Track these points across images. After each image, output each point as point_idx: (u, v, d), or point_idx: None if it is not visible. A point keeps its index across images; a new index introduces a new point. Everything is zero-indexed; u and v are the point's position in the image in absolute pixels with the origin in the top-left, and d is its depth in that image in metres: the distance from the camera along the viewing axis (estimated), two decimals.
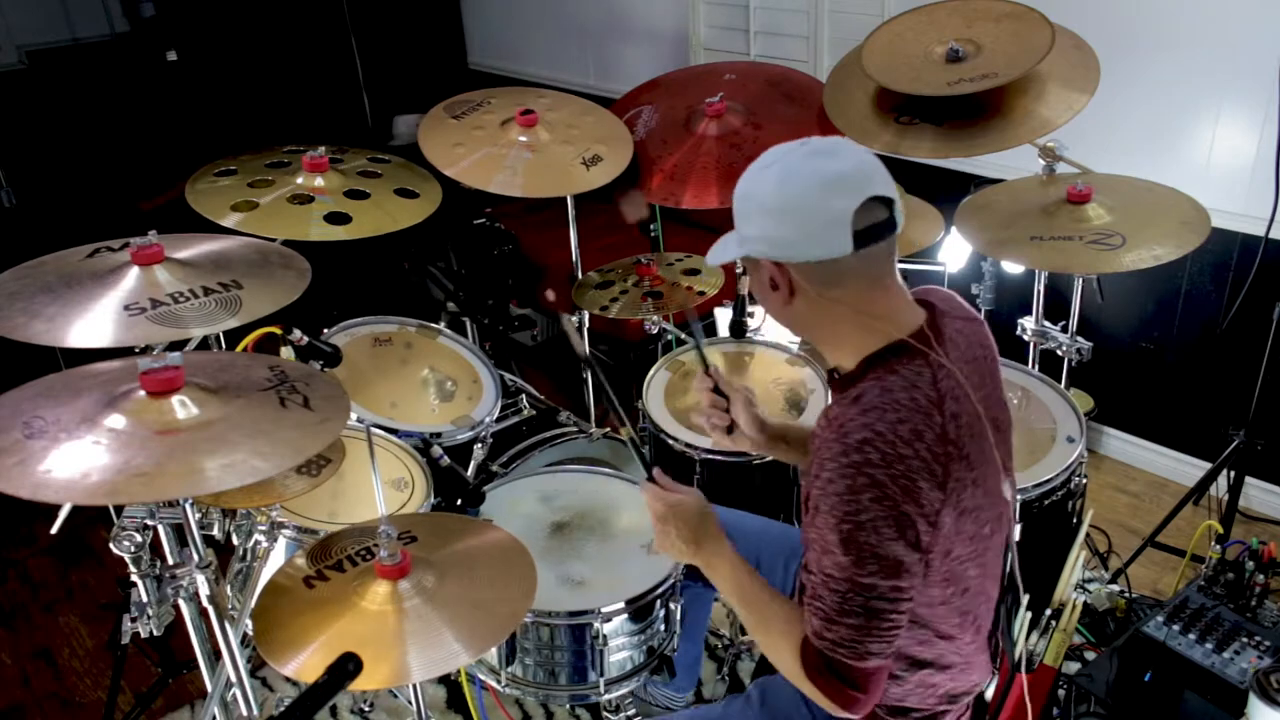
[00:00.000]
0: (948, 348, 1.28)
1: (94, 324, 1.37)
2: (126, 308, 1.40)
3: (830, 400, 1.35)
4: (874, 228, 1.21)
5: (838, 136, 1.27)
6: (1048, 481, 1.94)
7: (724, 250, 1.34)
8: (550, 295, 1.65)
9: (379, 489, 1.81)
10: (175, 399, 1.27)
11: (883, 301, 1.27)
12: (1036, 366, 2.35)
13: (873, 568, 1.18)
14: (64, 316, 1.37)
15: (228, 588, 1.81)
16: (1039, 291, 2.31)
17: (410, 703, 1.73)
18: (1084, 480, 2.07)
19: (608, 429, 2.46)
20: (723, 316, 3.01)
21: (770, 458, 2.07)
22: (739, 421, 1.62)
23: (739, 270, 2.40)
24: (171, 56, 4.32)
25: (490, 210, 3.44)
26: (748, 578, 1.41)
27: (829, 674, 1.25)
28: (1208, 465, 2.53)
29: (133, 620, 1.49)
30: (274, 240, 1.74)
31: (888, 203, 1.23)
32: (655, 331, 2.50)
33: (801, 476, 1.34)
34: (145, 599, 1.49)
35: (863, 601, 1.20)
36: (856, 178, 1.21)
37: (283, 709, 1.09)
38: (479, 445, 2.21)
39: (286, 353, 1.69)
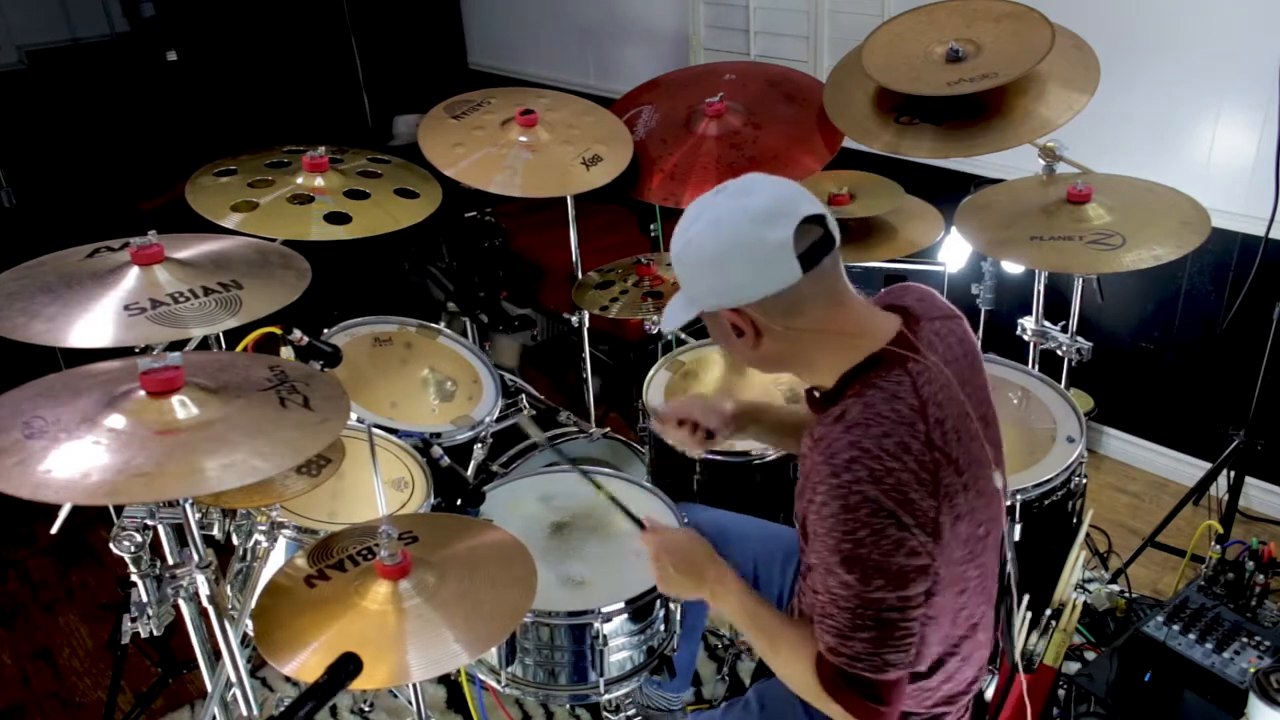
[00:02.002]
0: (926, 352, 1.27)
1: (94, 324, 1.37)
2: (126, 308, 1.40)
3: (812, 419, 1.33)
4: (815, 247, 1.22)
5: (752, 173, 1.29)
6: (1048, 481, 1.94)
7: (678, 312, 1.34)
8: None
9: (379, 489, 1.81)
10: (175, 399, 1.27)
11: (848, 317, 1.28)
12: (1036, 366, 2.35)
13: (879, 582, 1.18)
14: (64, 316, 1.37)
15: (228, 588, 1.81)
16: (1039, 291, 2.31)
17: (410, 703, 1.73)
18: (1084, 480, 2.07)
19: (608, 429, 2.46)
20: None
21: (772, 455, 2.08)
22: (708, 426, 1.65)
23: None
24: (171, 56, 4.32)
25: (490, 210, 3.44)
26: (754, 603, 1.42)
27: (848, 689, 1.24)
28: (1208, 465, 2.52)
29: (133, 620, 1.49)
30: (274, 240, 1.75)
31: (820, 220, 1.23)
32: (655, 331, 2.50)
33: (797, 498, 1.35)
34: (145, 599, 1.49)
35: (874, 615, 1.20)
36: (782, 205, 1.22)
37: (283, 709, 1.09)
38: (479, 445, 2.21)
39: (286, 353, 1.68)
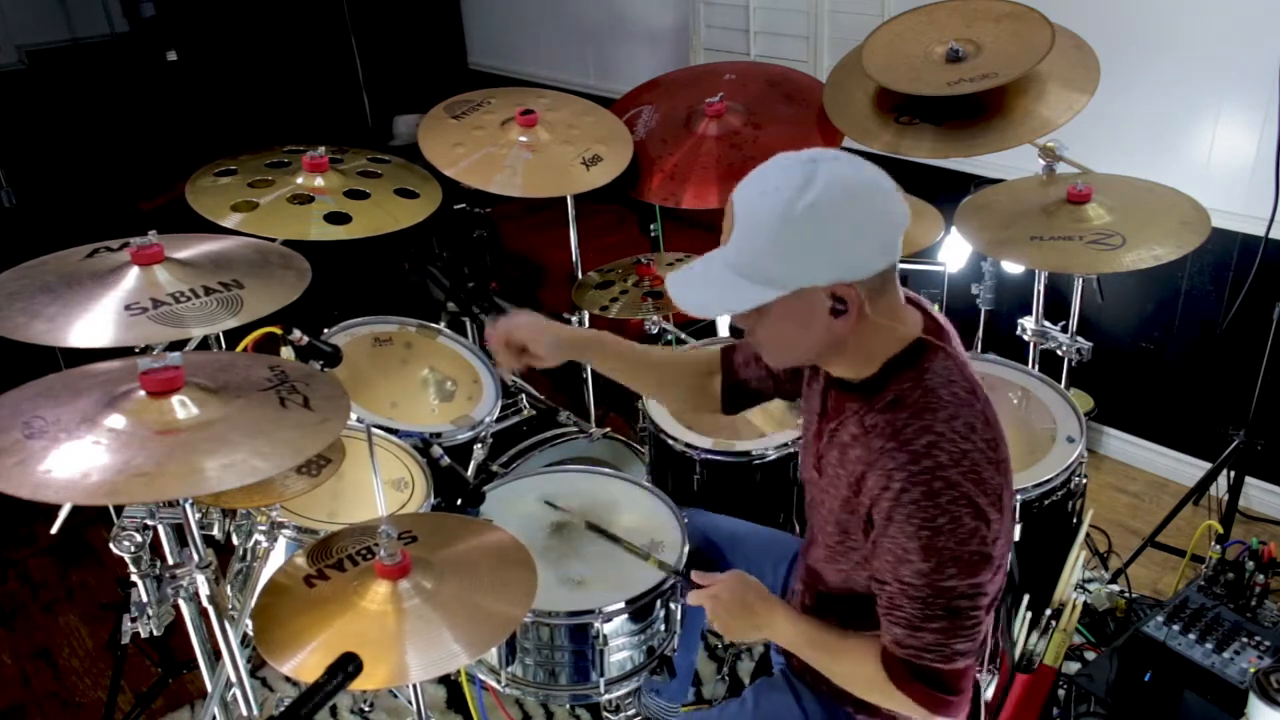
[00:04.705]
0: (948, 336, 1.30)
1: (94, 324, 1.37)
2: (128, 307, 1.40)
3: (841, 408, 1.32)
4: None
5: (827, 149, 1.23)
6: (1048, 481, 1.94)
7: (740, 295, 1.20)
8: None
9: (379, 489, 1.81)
10: (175, 399, 1.27)
11: (901, 304, 1.28)
12: (1036, 366, 2.35)
13: (952, 570, 1.18)
14: (64, 316, 1.37)
15: (228, 588, 1.81)
16: (1039, 291, 2.31)
17: (410, 703, 1.73)
18: (1084, 480, 2.07)
19: (608, 429, 2.45)
20: (723, 316, 3.01)
21: (772, 456, 2.09)
22: (539, 354, 1.60)
23: None
24: (171, 56, 4.33)
25: (489, 210, 3.45)
26: (809, 625, 1.43)
27: (918, 681, 1.24)
28: (1208, 465, 2.52)
29: (133, 620, 1.49)
30: (274, 240, 1.74)
31: None
32: (655, 331, 2.50)
33: (830, 486, 1.35)
34: (145, 599, 1.49)
35: (945, 604, 1.20)
36: (890, 182, 1.20)
37: (283, 709, 1.09)
38: (479, 445, 2.21)
39: (286, 353, 1.68)
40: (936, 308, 1.39)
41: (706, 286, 1.26)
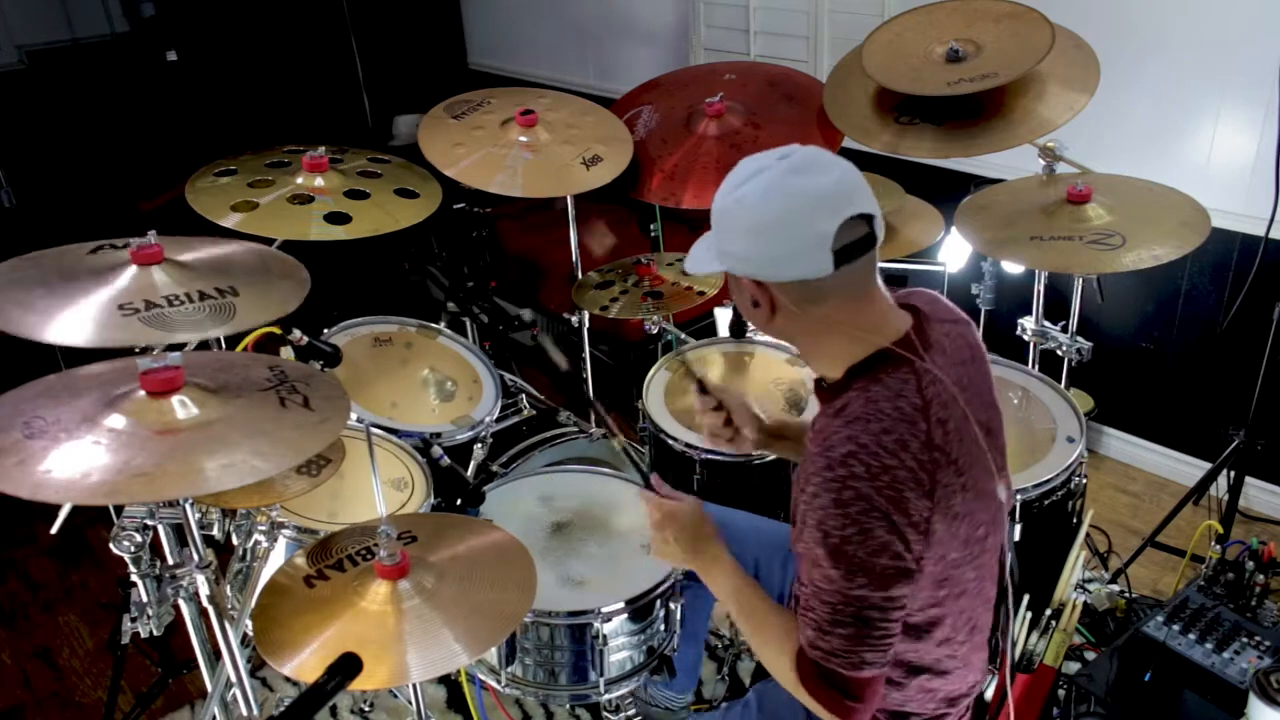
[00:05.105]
0: (934, 352, 1.28)
1: (84, 320, 1.36)
2: (120, 307, 1.40)
3: (818, 410, 1.34)
4: (854, 246, 1.20)
5: (816, 148, 1.25)
6: (1048, 481, 1.94)
7: (703, 259, 1.33)
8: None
9: (379, 489, 1.81)
10: (175, 399, 1.27)
11: (866, 312, 1.27)
12: (1036, 366, 2.35)
13: (862, 580, 1.19)
14: (58, 311, 1.36)
15: (228, 588, 1.81)
16: (1039, 291, 2.31)
17: (410, 703, 1.73)
18: (1084, 480, 2.07)
19: (605, 431, 2.45)
20: (723, 316, 3.01)
21: (771, 456, 2.09)
22: (741, 428, 1.62)
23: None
24: (171, 56, 4.32)
25: (489, 209, 3.46)
26: (745, 586, 1.42)
27: (824, 684, 1.25)
28: (1208, 465, 2.52)
29: (133, 620, 1.50)
30: (273, 240, 1.74)
31: (868, 218, 1.21)
32: (655, 331, 2.50)
33: (793, 487, 1.35)
34: (145, 599, 1.49)
35: (854, 612, 1.20)
36: (837, 197, 1.20)
37: (283, 709, 1.09)
38: (479, 445, 2.21)
39: (286, 353, 1.68)
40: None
41: (698, 245, 1.37)
